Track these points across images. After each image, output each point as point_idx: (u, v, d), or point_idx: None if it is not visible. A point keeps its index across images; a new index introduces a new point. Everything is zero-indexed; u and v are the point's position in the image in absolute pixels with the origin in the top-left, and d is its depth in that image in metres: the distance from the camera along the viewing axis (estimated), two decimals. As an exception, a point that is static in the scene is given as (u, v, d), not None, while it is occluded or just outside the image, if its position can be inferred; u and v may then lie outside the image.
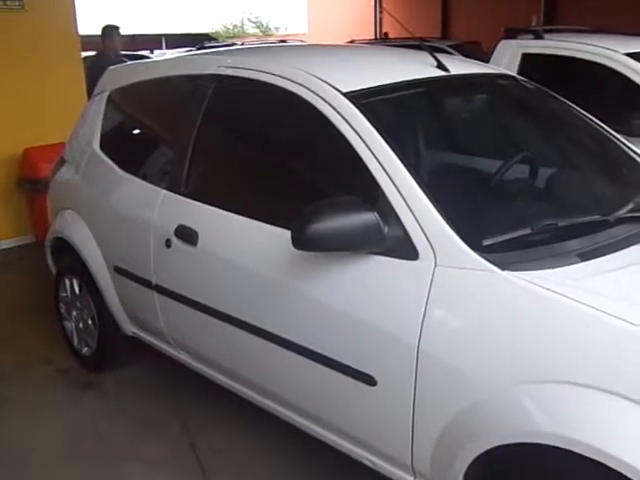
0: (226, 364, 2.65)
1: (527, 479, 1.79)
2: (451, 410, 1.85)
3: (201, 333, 2.69)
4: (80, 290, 3.41)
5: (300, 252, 2.05)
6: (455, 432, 1.86)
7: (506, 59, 4.54)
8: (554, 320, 1.71)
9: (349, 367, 2.08)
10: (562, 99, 2.81)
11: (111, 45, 6.46)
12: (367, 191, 2.06)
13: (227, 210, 2.50)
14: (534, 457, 1.73)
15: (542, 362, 1.70)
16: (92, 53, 6.88)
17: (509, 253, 1.89)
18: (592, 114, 2.80)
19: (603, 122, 2.80)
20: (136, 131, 3.48)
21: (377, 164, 2.07)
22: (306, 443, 2.48)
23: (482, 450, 1.80)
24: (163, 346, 3.01)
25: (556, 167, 2.52)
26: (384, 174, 2.05)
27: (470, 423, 1.82)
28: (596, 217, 2.08)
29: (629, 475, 1.54)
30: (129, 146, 3.29)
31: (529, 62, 4.47)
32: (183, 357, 2.91)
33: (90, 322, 3.39)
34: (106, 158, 3.21)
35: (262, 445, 2.83)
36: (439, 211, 1.95)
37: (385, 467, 2.15)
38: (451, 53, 7.39)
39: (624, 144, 2.74)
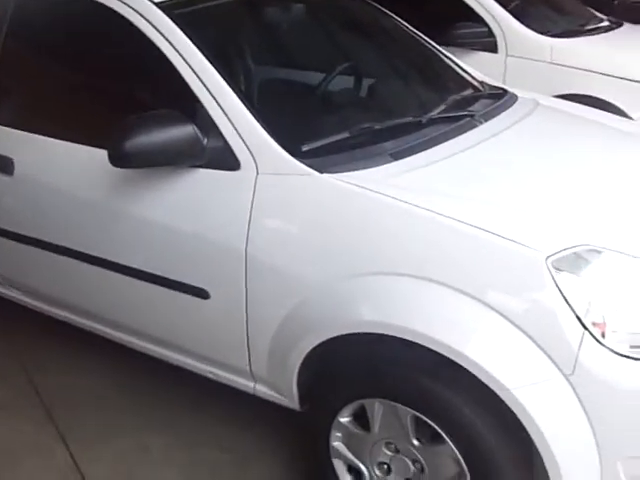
0: (59, 296, 2.56)
1: (357, 369, 1.89)
2: (282, 312, 1.91)
3: (28, 266, 2.56)
4: None
5: (120, 170, 1.99)
6: (287, 332, 1.93)
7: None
8: (368, 216, 1.80)
9: (182, 283, 2.08)
10: (383, 10, 2.87)
11: None
12: (185, 104, 2.01)
13: (43, 134, 2.35)
14: (363, 347, 1.84)
15: (361, 256, 1.79)
16: None
17: (327, 157, 1.95)
18: (415, 27, 2.88)
19: (425, 34, 2.89)
20: None
21: (193, 75, 2.03)
22: (158, 370, 2.47)
23: (313, 345, 1.87)
24: (-10, 285, 2.85)
25: (375, 75, 2.60)
26: (200, 85, 2.01)
27: (300, 322, 1.89)
28: (409, 119, 2.18)
29: (449, 355, 1.66)
30: None
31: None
32: (14, 294, 2.76)
33: None
34: None
35: (109, 378, 2.76)
36: (258, 120, 1.96)
37: (226, 377, 2.20)
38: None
39: (441, 53, 2.87)
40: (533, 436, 1.61)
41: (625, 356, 1.58)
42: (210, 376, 2.25)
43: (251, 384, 2.15)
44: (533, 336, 1.61)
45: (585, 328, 1.57)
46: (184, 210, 2.03)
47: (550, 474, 1.63)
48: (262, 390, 2.13)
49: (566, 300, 1.59)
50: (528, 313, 1.63)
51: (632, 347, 1.60)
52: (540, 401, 1.60)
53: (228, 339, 2.09)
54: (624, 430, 1.60)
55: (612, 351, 1.58)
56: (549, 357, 1.60)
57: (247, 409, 2.39)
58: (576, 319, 1.58)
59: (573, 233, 1.71)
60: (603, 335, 1.58)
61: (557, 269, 1.61)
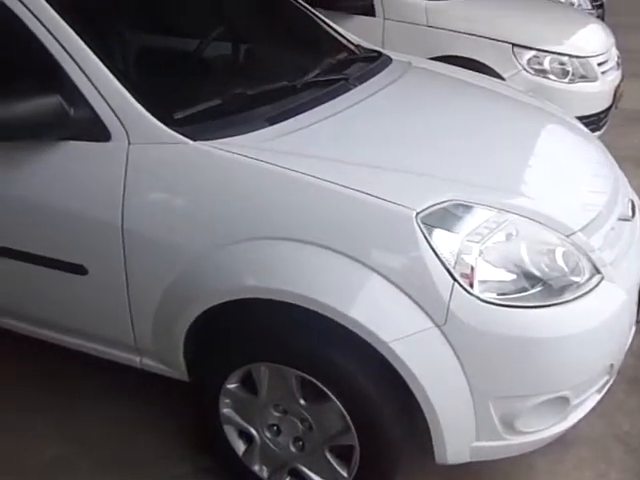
0: None
1: (243, 335, 1.91)
2: (163, 284, 1.89)
3: None
4: None
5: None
6: (170, 304, 1.91)
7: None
8: (243, 181, 1.80)
9: (58, 260, 2.01)
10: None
11: None
12: (50, 75, 1.92)
13: None
14: (247, 313, 1.86)
15: (239, 223, 1.79)
16: None
17: (201, 124, 1.92)
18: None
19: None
20: None
21: (56, 44, 1.93)
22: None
23: (197, 314, 1.86)
24: None
25: (250, 41, 2.58)
26: (65, 54, 1.92)
27: (183, 292, 1.88)
28: (284, 84, 2.18)
29: (331, 316, 1.69)
30: None
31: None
32: None
33: None
34: None
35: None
36: (127, 88, 1.90)
37: (111, 353, 2.16)
38: None
39: (317, 16, 2.87)
40: (411, 385, 1.68)
41: (493, 303, 1.67)
42: (93, 353, 2.20)
43: (137, 358, 2.12)
44: (407, 290, 1.67)
45: (454, 279, 1.65)
46: (55, 185, 1.96)
47: (429, 419, 1.72)
48: (149, 363, 2.11)
49: (436, 254, 1.65)
50: (402, 269, 1.69)
51: (499, 294, 1.70)
52: (415, 351, 1.67)
53: (110, 314, 2.04)
54: (493, 372, 1.70)
55: (480, 299, 1.66)
56: (423, 309, 1.66)
57: (131, 383, 2.36)
58: (446, 271, 1.65)
59: (441, 189, 1.77)
60: (471, 285, 1.67)
61: (427, 224, 1.67)
